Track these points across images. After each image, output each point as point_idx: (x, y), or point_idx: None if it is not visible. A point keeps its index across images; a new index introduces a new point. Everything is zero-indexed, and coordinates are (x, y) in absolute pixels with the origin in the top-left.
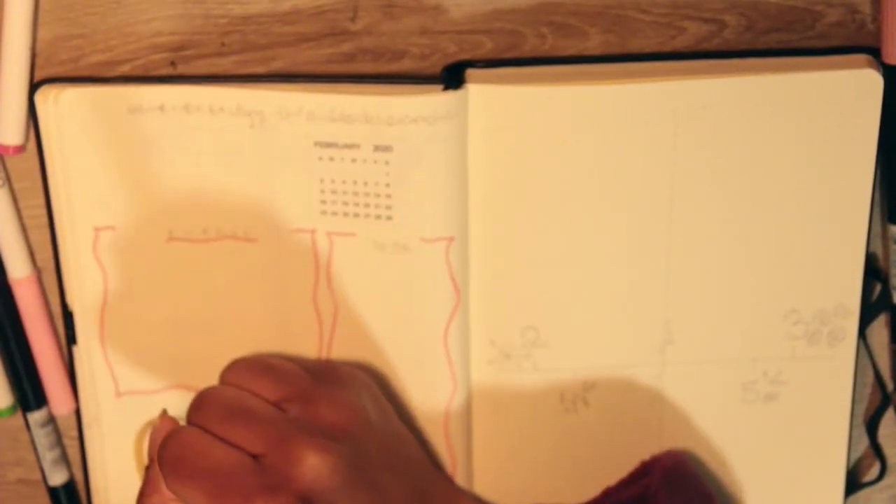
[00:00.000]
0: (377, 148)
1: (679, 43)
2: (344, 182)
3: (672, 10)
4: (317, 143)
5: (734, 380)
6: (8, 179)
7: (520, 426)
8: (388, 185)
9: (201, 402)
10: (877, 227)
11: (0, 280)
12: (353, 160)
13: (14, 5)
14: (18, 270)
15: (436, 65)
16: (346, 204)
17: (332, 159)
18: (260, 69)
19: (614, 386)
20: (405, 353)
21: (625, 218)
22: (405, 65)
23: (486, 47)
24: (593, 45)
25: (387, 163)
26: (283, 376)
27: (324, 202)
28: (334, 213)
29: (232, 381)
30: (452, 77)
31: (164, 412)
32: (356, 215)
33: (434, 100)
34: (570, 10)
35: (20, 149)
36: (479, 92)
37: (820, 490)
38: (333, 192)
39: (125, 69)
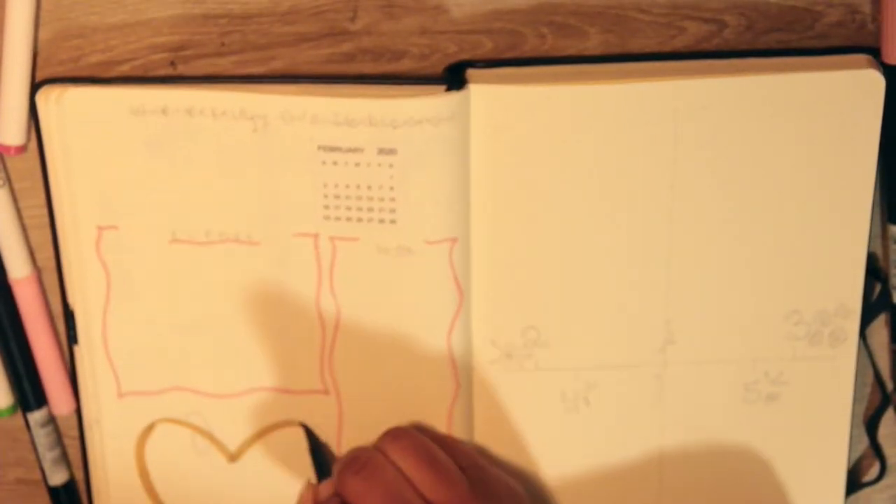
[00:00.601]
0: (381, 151)
1: (679, 43)
2: (347, 186)
3: (672, 10)
4: (320, 147)
5: (735, 380)
6: (8, 179)
7: (521, 425)
8: (392, 189)
9: (363, 476)
10: (877, 228)
11: (0, 280)
12: (357, 164)
13: (15, 5)
14: (18, 270)
15: (436, 65)
16: (349, 209)
17: (335, 163)
18: (259, 69)
19: (615, 385)
20: (408, 356)
21: (625, 218)
22: (405, 65)
23: (486, 47)
24: (593, 45)
25: (391, 166)
26: (447, 477)
27: (327, 207)
28: (337, 218)
29: (393, 458)
30: (454, 77)
31: (309, 482)
32: (359, 220)
33: (438, 101)
34: (570, 10)
35: (21, 149)
36: (482, 92)
37: (820, 490)
38: (337, 196)
39: (125, 69)
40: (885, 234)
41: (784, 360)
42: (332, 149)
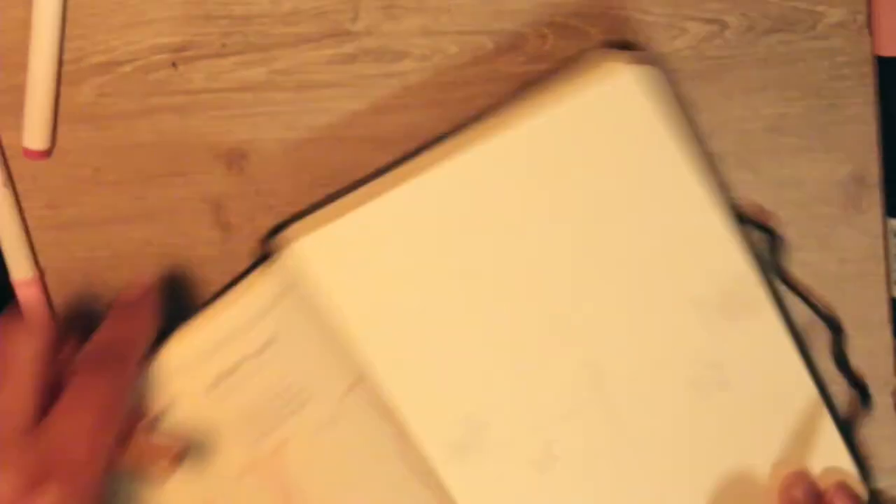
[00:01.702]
0: (263, 346)
1: (680, 43)
2: (259, 395)
3: (673, 10)
4: (211, 386)
5: (681, 379)
6: (11, 181)
7: (503, 499)
8: (286, 375)
9: None
10: (842, 215)
11: (2, 281)
12: (251, 375)
13: (43, 11)
14: (21, 272)
15: (437, 65)
16: (276, 417)
17: (233, 388)
18: (261, 69)
19: (573, 433)
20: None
21: (512, 291)
22: (406, 65)
23: (488, 48)
24: (594, 45)
25: (275, 353)
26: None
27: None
28: (273, 429)
29: None
30: (265, 252)
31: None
32: (288, 415)
33: (265, 287)
34: (572, 11)
35: (46, 154)
36: (301, 249)
37: None
38: (261, 411)
39: (126, 70)
40: (885, 229)
41: (716, 344)
42: (220, 379)
